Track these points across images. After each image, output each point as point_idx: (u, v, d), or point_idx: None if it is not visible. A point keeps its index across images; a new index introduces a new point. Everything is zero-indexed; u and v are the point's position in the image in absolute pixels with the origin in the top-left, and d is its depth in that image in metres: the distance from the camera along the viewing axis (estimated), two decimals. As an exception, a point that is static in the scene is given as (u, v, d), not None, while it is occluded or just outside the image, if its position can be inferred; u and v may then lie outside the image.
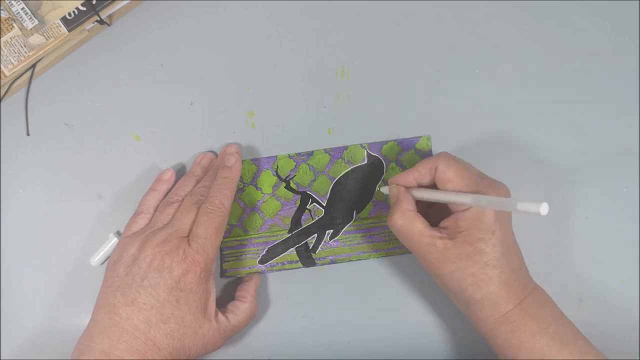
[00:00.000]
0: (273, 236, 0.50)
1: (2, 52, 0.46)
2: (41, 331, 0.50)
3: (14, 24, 0.46)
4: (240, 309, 0.47)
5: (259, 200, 0.50)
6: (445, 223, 0.43)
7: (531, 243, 0.50)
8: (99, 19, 0.47)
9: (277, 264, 0.50)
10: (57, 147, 0.51)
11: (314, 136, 0.51)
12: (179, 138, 0.51)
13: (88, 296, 0.50)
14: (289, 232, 0.50)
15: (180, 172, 0.51)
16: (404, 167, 0.50)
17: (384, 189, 0.48)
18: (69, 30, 0.47)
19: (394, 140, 0.50)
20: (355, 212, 0.50)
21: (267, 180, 0.50)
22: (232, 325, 0.46)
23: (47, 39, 0.47)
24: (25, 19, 0.46)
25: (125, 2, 0.48)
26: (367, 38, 0.51)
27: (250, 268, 0.50)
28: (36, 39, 0.46)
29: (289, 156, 0.50)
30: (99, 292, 0.44)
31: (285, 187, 0.50)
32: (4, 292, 0.50)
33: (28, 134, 0.51)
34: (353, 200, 0.50)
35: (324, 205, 0.50)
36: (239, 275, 0.50)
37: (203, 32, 0.51)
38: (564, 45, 0.51)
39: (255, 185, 0.50)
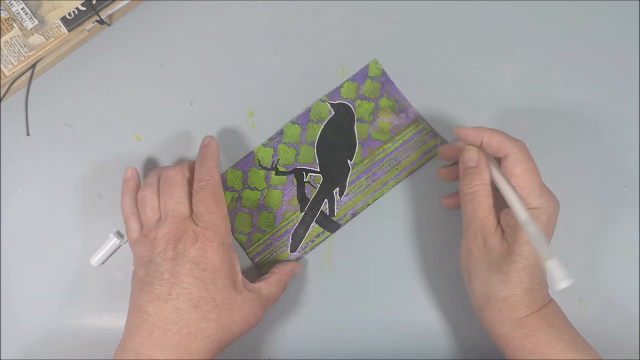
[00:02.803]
0: (290, 222, 0.50)
1: (2, 52, 0.46)
2: (41, 331, 0.50)
3: (14, 24, 0.46)
4: (272, 279, 0.46)
5: (259, 199, 0.50)
6: (506, 218, 0.42)
7: (531, 243, 0.50)
8: (99, 19, 0.47)
9: (307, 244, 0.50)
10: (57, 147, 0.51)
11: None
12: (179, 138, 0.51)
13: (88, 296, 0.50)
14: (301, 211, 0.50)
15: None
16: (369, 98, 0.50)
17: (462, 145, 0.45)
18: (69, 30, 0.47)
19: (347, 80, 0.50)
20: (348, 160, 0.50)
21: (257, 176, 0.50)
22: (265, 293, 0.45)
23: (47, 39, 0.47)
24: (25, 19, 0.46)
25: (125, 2, 0.48)
26: (367, 38, 0.51)
27: (286, 261, 0.50)
28: (36, 39, 0.46)
29: (264, 145, 0.50)
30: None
31: (276, 174, 0.50)
32: (4, 292, 0.50)
33: (28, 134, 0.51)
34: (341, 152, 0.50)
35: (318, 170, 0.50)
36: None
37: (203, 32, 0.51)
38: (564, 45, 0.51)
39: (249, 187, 0.50)
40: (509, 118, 0.51)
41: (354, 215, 0.50)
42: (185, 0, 0.51)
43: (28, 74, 0.49)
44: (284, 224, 0.50)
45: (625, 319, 0.50)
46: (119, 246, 0.50)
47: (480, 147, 0.44)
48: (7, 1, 0.46)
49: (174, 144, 0.51)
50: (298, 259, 0.50)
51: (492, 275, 0.42)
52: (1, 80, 0.47)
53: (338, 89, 0.50)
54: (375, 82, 0.50)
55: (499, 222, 0.43)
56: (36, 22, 0.46)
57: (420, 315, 0.50)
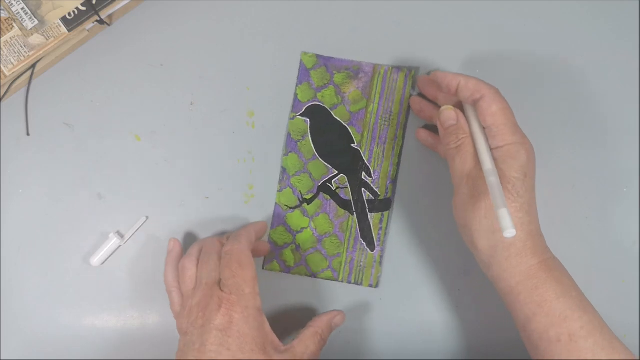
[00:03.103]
0: (352, 229, 0.50)
1: (2, 52, 0.46)
2: (41, 331, 0.50)
3: (14, 24, 0.46)
4: (306, 333, 0.45)
5: (313, 234, 0.50)
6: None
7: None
8: (99, 19, 0.47)
9: (378, 237, 0.50)
10: (57, 147, 0.51)
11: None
12: (179, 138, 0.51)
13: (88, 296, 0.50)
14: (352, 214, 0.50)
15: (183, 172, 0.51)
16: (324, 85, 0.50)
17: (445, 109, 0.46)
18: (69, 30, 0.47)
19: (297, 86, 0.50)
20: (352, 145, 0.50)
21: (295, 219, 0.50)
22: (299, 351, 0.43)
23: (47, 39, 0.47)
24: (25, 19, 0.46)
25: (125, 2, 0.48)
26: (367, 37, 0.51)
27: (374, 262, 0.50)
28: (36, 39, 0.46)
29: (279, 190, 0.50)
30: None
31: (308, 205, 0.50)
32: (4, 292, 0.50)
33: (28, 134, 0.51)
34: (340, 144, 0.50)
35: (336, 172, 0.50)
36: (378, 274, 0.50)
37: (203, 32, 0.51)
38: (564, 45, 0.51)
39: (298, 232, 0.50)
40: (509, 118, 0.51)
41: (393, 182, 0.50)
42: (185, 1, 0.51)
43: (28, 74, 0.49)
44: (347, 235, 0.50)
45: (625, 319, 0.50)
46: (119, 246, 0.50)
47: (456, 91, 0.44)
48: (7, 1, 0.46)
49: (174, 144, 0.51)
50: (382, 251, 0.50)
51: (493, 222, 0.41)
52: (1, 80, 0.47)
53: (296, 98, 0.51)
54: (318, 68, 0.50)
55: None
56: (36, 22, 0.46)
57: (420, 315, 0.50)
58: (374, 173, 0.50)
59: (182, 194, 0.51)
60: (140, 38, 0.51)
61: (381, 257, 0.50)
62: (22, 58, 0.47)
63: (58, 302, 0.50)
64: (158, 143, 0.51)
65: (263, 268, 0.50)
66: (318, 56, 0.50)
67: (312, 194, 0.50)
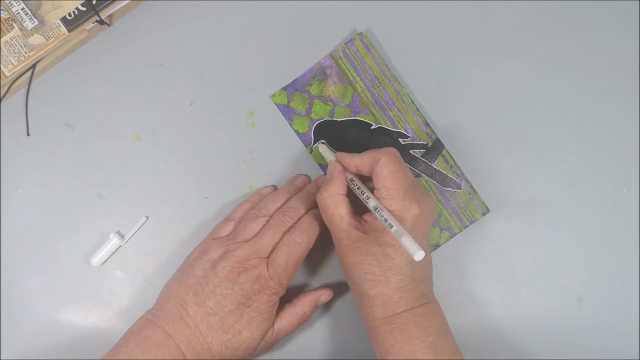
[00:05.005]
0: (433, 187, 0.51)
1: (2, 52, 0.46)
2: (41, 331, 0.50)
3: (14, 24, 0.46)
4: (286, 311, 0.47)
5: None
6: (368, 216, 0.44)
7: (531, 243, 0.50)
8: (99, 19, 0.47)
9: (456, 174, 0.50)
10: (57, 147, 0.51)
11: (314, 136, 0.51)
12: (179, 138, 0.51)
13: (88, 296, 0.50)
14: (421, 175, 0.51)
15: (183, 172, 0.51)
16: (310, 105, 0.51)
17: (322, 148, 0.50)
18: (69, 31, 0.47)
19: (290, 123, 0.51)
20: (371, 127, 0.51)
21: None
22: (277, 330, 0.46)
23: (47, 39, 0.47)
24: (25, 19, 0.46)
25: (125, 2, 0.48)
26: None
27: (469, 194, 0.50)
28: (36, 39, 0.46)
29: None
30: (169, 280, 0.46)
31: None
32: (4, 292, 0.50)
33: (28, 134, 0.51)
34: (362, 135, 0.51)
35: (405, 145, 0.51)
36: (481, 199, 0.50)
37: (203, 32, 0.51)
38: (564, 45, 0.51)
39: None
40: (508, 118, 0.51)
41: (427, 124, 0.51)
42: (185, 1, 0.51)
43: (28, 74, 0.49)
44: (432, 194, 0.50)
45: (625, 319, 0.50)
46: (119, 246, 0.50)
47: (356, 172, 0.45)
48: (7, 1, 0.46)
49: (174, 144, 0.51)
50: (467, 181, 0.50)
51: (361, 275, 0.43)
52: (1, 81, 0.47)
53: (298, 134, 0.51)
54: (293, 97, 0.51)
55: (356, 225, 0.43)
56: (36, 22, 0.46)
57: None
58: (407, 131, 0.51)
59: (182, 194, 0.51)
60: (140, 38, 0.51)
61: (471, 186, 0.51)
62: (22, 58, 0.47)
63: (58, 302, 0.50)
64: (158, 143, 0.51)
65: None
66: (284, 88, 0.51)
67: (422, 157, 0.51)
